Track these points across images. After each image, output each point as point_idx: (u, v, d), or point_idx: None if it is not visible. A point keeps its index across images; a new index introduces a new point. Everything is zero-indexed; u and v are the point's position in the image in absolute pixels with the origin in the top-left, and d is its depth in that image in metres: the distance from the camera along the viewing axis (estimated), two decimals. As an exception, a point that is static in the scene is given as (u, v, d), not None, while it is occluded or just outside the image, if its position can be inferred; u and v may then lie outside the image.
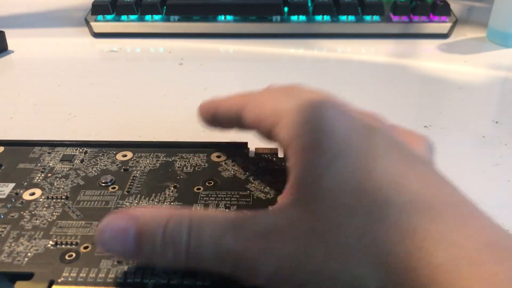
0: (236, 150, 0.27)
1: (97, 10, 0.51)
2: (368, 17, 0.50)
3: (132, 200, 0.23)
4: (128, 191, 0.24)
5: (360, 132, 0.18)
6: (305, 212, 0.17)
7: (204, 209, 0.23)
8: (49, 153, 0.27)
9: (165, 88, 0.40)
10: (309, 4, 0.51)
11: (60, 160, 0.27)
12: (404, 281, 0.15)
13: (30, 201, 0.23)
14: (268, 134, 0.21)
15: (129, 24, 0.50)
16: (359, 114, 0.20)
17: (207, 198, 0.23)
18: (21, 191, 0.24)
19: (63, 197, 0.24)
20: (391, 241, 0.15)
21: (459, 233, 0.15)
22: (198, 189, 0.24)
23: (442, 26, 0.50)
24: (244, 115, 0.22)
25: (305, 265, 0.16)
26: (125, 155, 0.27)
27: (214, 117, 0.24)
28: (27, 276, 0.19)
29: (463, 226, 0.15)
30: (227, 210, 0.23)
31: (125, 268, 0.19)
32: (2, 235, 0.21)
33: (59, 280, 0.19)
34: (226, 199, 0.23)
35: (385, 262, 0.15)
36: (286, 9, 0.51)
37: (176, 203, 0.23)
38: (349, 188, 0.16)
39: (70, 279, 0.19)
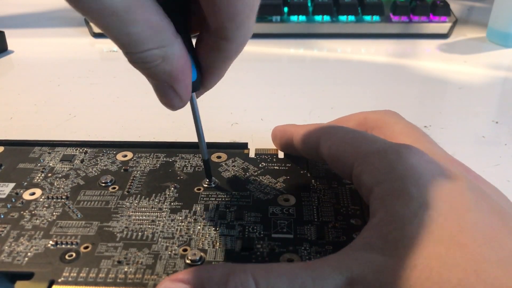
0: (236, 150, 0.27)
1: (97, 10, 0.50)
2: (368, 17, 0.50)
3: (132, 200, 0.23)
4: (128, 191, 0.24)
5: (447, 181, 0.18)
6: (390, 259, 0.16)
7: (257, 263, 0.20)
8: (49, 153, 0.27)
9: (165, 88, 0.40)
10: (309, 4, 0.51)
11: (60, 160, 0.27)
12: None
13: (30, 201, 0.23)
14: (346, 173, 0.20)
15: (129, 24, 0.50)
16: (443, 160, 0.20)
17: (207, 199, 0.23)
18: (21, 191, 0.24)
19: (63, 197, 0.24)
20: None
21: None
22: (198, 189, 0.24)
23: (442, 26, 0.50)
24: (322, 149, 0.21)
25: None
26: (125, 155, 0.27)
27: (288, 145, 0.25)
28: (27, 276, 0.19)
29: None
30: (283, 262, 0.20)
31: (125, 268, 0.19)
32: (2, 235, 0.21)
33: (59, 280, 0.19)
34: (226, 199, 0.23)
35: None
36: (286, 9, 0.51)
37: (177, 203, 0.23)
38: (439, 239, 0.16)
39: (70, 279, 0.19)
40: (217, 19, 0.16)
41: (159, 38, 0.16)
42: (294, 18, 0.50)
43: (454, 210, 0.16)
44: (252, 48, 0.48)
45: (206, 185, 0.24)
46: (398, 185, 0.17)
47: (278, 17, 0.50)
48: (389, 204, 0.17)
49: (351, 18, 0.50)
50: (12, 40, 0.48)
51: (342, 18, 0.50)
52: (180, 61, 0.17)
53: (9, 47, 0.48)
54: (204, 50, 0.18)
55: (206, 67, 0.19)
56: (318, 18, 0.50)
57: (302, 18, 0.50)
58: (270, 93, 0.40)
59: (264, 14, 0.50)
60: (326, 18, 0.50)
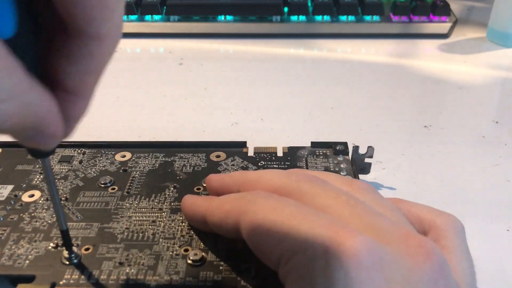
0: (235, 149, 0.27)
1: (96, 10, 0.50)
2: (368, 17, 0.50)
3: (132, 200, 0.23)
4: (127, 192, 0.24)
5: None
6: None
7: None
8: (48, 154, 0.27)
9: (165, 88, 0.40)
10: (309, 4, 0.51)
11: (59, 162, 0.26)
12: None
13: (29, 203, 0.23)
14: (275, 268, 0.17)
15: (129, 24, 0.50)
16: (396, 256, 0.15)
17: (208, 199, 0.23)
18: (20, 193, 0.24)
19: (63, 198, 0.24)
20: None
21: None
22: (198, 189, 0.24)
23: (442, 26, 0.50)
24: (243, 235, 0.18)
25: None
26: (124, 156, 0.27)
27: (202, 225, 0.21)
28: (29, 279, 0.19)
29: None
30: None
31: (127, 269, 0.19)
32: (2, 238, 0.21)
33: (61, 283, 0.19)
34: (227, 200, 0.23)
35: None
36: (286, 9, 0.50)
37: (176, 203, 0.23)
38: None
39: (72, 281, 0.19)
40: (85, 10, 0.12)
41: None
42: (294, 18, 0.50)
43: None
44: (252, 48, 0.48)
45: (66, 259, 0.20)
46: None
47: (278, 17, 0.50)
48: None
49: (351, 18, 0.50)
50: (11, 40, 0.48)
51: (342, 18, 0.50)
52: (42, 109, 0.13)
53: (8, 48, 0.48)
54: (66, 65, 0.14)
55: (72, 89, 0.15)
56: (318, 18, 0.50)
57: (302, 18, 0.50)
58: (270, 93, 0.40)
59: (264, 14, 0.50)
60: (326, 18, 0.50)
